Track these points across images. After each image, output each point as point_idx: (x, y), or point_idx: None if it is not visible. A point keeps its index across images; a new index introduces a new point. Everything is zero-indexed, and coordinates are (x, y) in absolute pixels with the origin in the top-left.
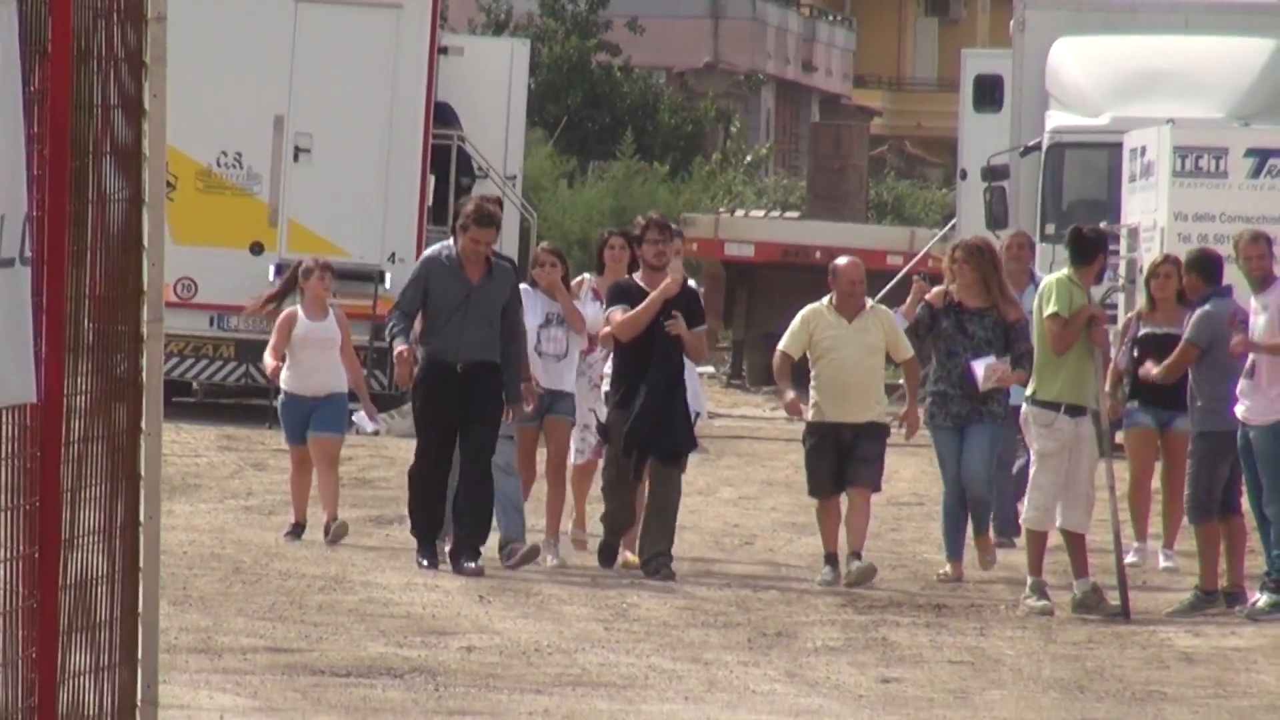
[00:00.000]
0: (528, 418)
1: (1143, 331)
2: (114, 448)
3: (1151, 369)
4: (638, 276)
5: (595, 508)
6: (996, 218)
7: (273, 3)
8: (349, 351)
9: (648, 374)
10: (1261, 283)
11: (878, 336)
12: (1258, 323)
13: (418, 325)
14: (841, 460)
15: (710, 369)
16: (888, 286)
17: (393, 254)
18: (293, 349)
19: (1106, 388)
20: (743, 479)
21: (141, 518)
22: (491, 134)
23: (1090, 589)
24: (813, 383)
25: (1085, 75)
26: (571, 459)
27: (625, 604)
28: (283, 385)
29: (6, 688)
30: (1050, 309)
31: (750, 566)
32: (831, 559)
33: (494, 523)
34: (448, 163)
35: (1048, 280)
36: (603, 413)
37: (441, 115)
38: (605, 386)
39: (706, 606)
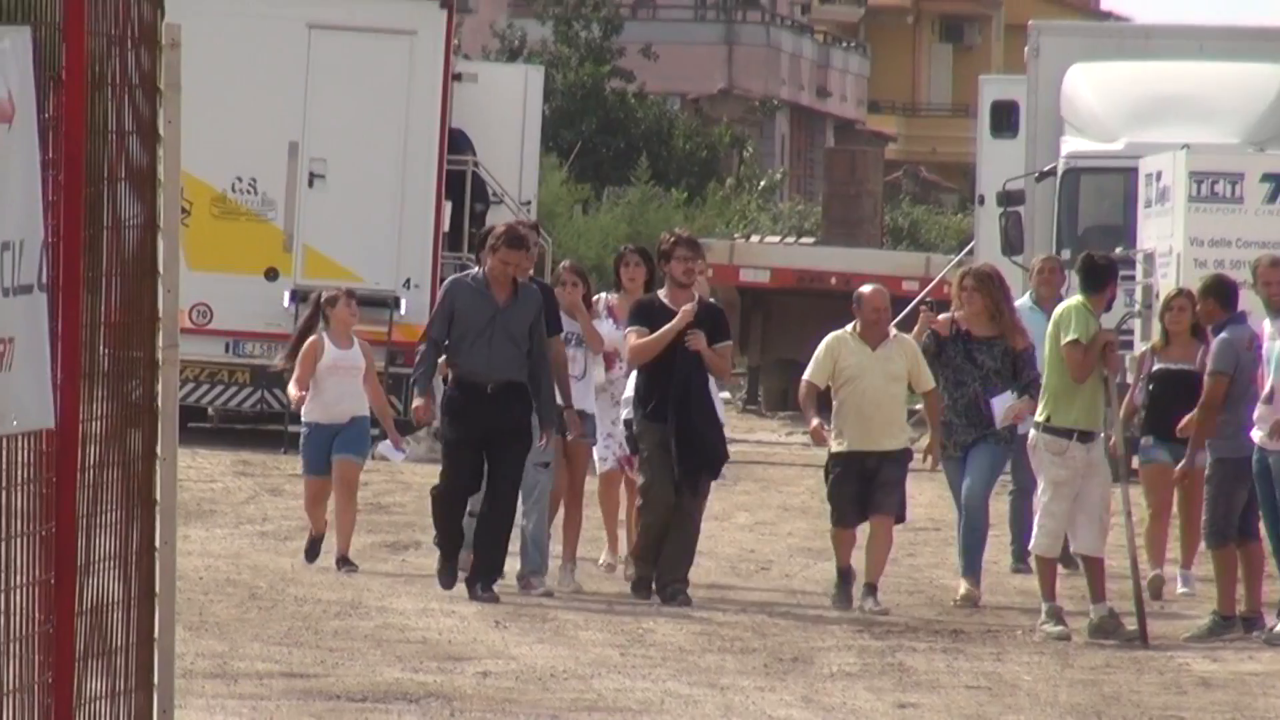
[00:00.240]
0: (580, 435)
1: (1157, 367)
2: (129, 473)
3: (1187, 424)
4: (662, 293)
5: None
6: (1012, 243)
7: (287, 29)
8: (373, 380)
9: (672, 391)
10: None
11: (901, 365)
12: (1274, 348)
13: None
14: (864, 488)
15: (726, 394)
16: (903, 313)
17: (408, 280)
18: (318, 378)
19: (1116, 428)
20: (759, 504)
21: (157, 543)
22: (506, 160)
23: (1107, 614)
24: (835, 411)
25: (1100, 101)
26: (596, 469)
27: (641, 629)
28: (305, 416)
29: (23, 713)
30: (1070, 336)
31: (766, 592)
32: (845, 574)
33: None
34: (463, 189)
35: (1065, 307)
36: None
37: (456, 142)
38: (625, 411)
39: (723, 632)
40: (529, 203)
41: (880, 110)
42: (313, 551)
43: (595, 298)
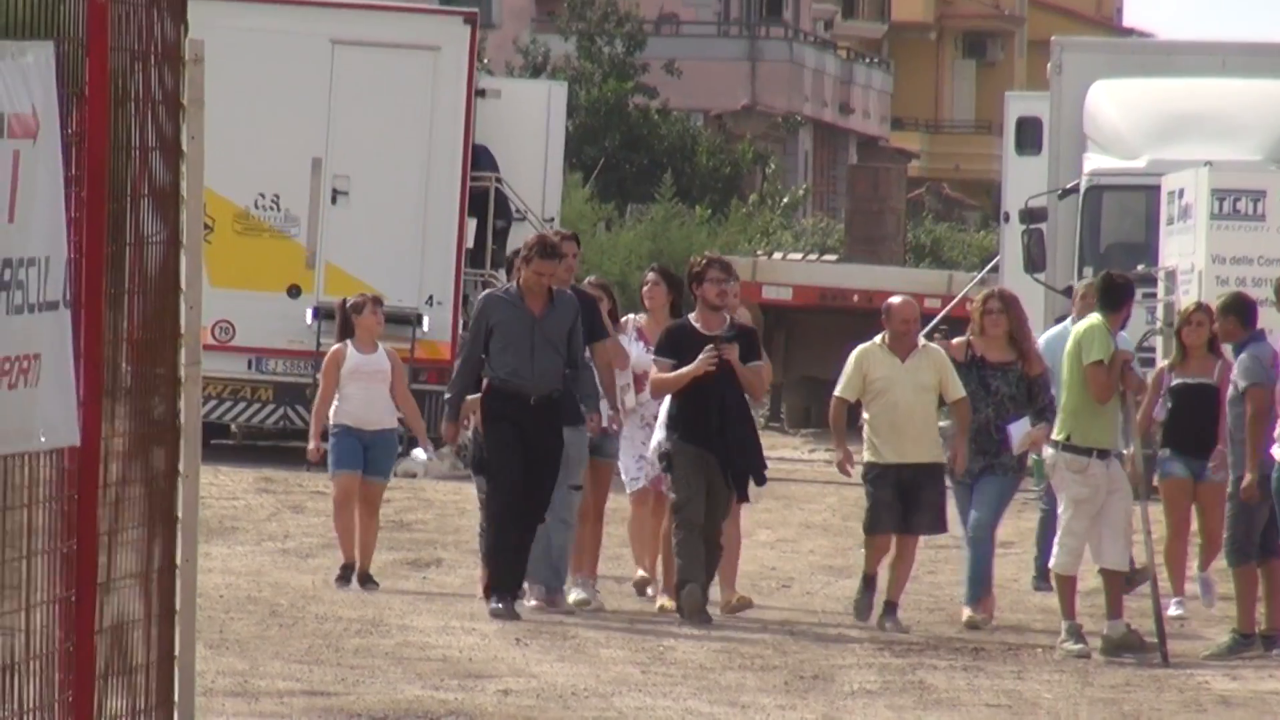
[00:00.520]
0: (604, 431)
1: (1175, 382)
2: (151, 490)
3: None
4: (693, 317)
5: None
6: (1034, 260)
7: (310, 45)
8: (402, 388)
9: (709, 413)
10: None
11: (930, 376)
12: None
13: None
14: (901, 499)
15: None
16: (926, 329)
17: (430, 297)
18: (342, 384)
19: (1133, 444)
20: (780, 522)
21: (179, 560)
22: (529, 176)
23: (1125, 630)
24: (867, 423)
25: (1122, 118)
26: (627, 487)
27: (662, 647)
28: (333, 420)
29: None
30: (1094, 357)
31: (788, 610)
32: (869, 581)
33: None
34: (485, 205)
35: (1086, 328)
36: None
37: (478, 159)
38: (658, 434)
39: (743, 649)
40: (552, 219)
41: (903, 127)
42: (345, 578)
43: (624, 319)
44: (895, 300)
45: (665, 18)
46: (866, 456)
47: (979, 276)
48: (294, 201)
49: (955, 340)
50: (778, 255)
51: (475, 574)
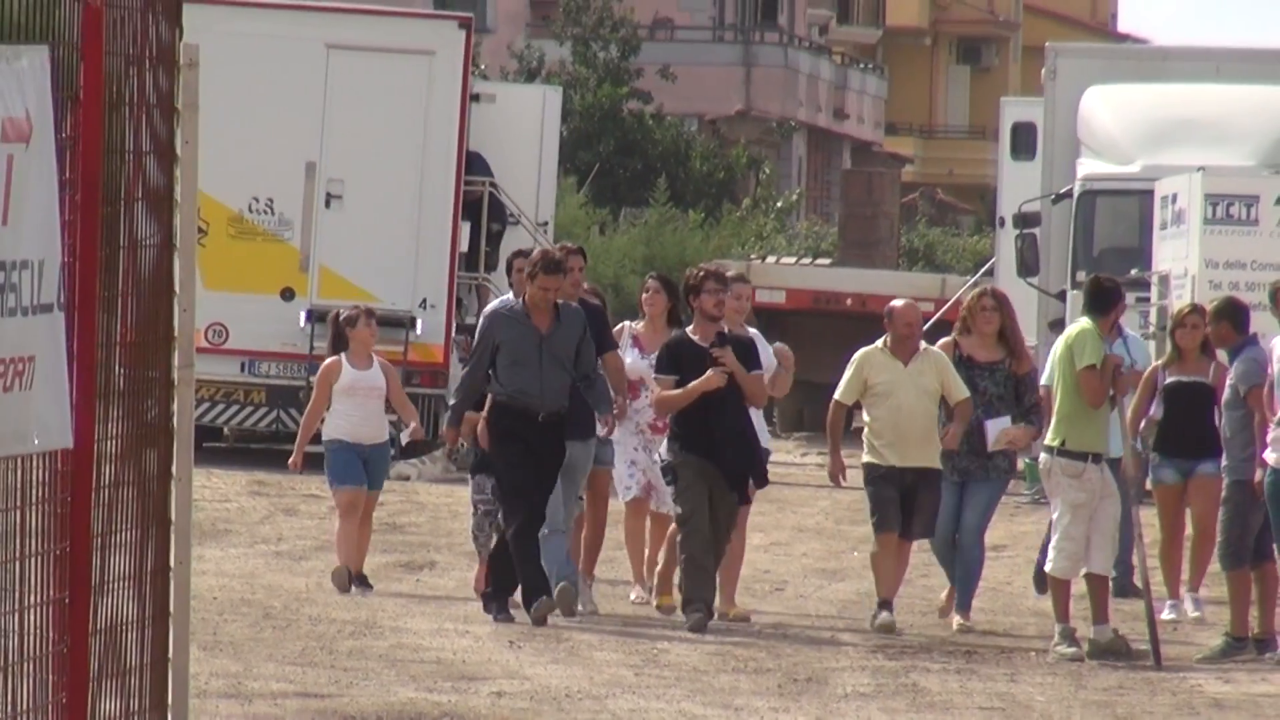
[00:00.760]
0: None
1: (1169, 380)
2: (144, 493)
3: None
4: (691, 330)
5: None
6: (1028, 265)
7: (305, 49)
8: (400, 397)
9: (711, 424)
10: None
11: (933, 379)
12: None
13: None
14: (904, 501)
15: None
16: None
17: (424, 300)
18: (335, 399)
19: (1131, 438)
20: (773, 525)
21: (172, 563)
22: (523, 181)
23: (1112, 635)
24: (868, 427)
25: (1116, 123)
26: (621, 497)
27: (655, 649)
28: (327, 434)
29: None
30: (1086, 361)
31: (781, 613)
32: (886, 604)
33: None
34: (479, 210)
35: (1077, 333)
36: (651, 465)
37: (472, 165)
38: (662, 448)
39: (737, 652)
40: (546, 223)
41: (897, 132)
42: (344, 586)
43: (619, 326)
44: (898, 303)
45: (660, 23)
46: (866, 459)
47: (973, 280)
48: (288, 205)
49: (942, 341)
50: (771, 259)
51: (468, 576)
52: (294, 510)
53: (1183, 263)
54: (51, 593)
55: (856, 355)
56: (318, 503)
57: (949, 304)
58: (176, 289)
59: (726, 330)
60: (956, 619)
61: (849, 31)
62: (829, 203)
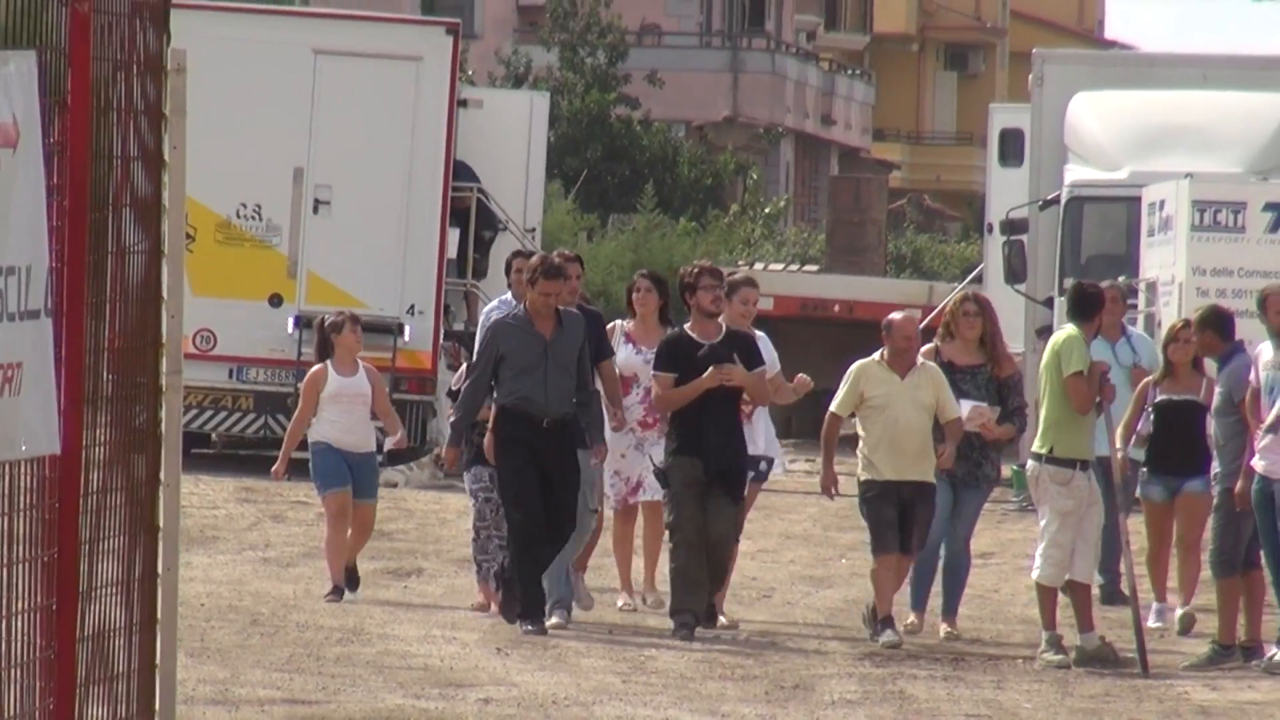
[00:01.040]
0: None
1: (1160, 398)
2: (132, 499)
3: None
4: (688, 327)
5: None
6: (1015, 271)
7: (293, 55)
8: (384, 405)
9: (704, 427)
10: None
11: (929, 394)
12: (1278, 378)
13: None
14: (901, 515)
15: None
16: None
17: (412, 306)
18: (321, 405)
19: (1118, 445)
20: (761, 532)
21: (159, 569)
22: (511, 186)
23: (1098, 643)
24: (863, 440)
25: (1104, 130)
26: (611, 502)
27: (643, 656)
28: (313, 437)
29: None
30: (1073, 368)
31: (768, 620)
32: (888, 621)
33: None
34: (467, 216)
35: (1064, 339)
36: (634, 462)
37: (457, 173)
38: (648, 441)
39: (724, 659)
40: (533, 230)
41: (885, 138)
42: (336, 598)
43: (610, 325)
44: (896, 316)
45: (647, 28)
46: (863, 475)
47: (960, 287)
48: (276, 211)
49: (924, 347)
50: (759, 266)
51: (456, 583)
52: (282, 517)
53: (1170, 269)
54: (39, 599)
55: (853, 367)
56: (305, 509)
57: (937, 310)
58: (164, 295)
59: (724, 326)
60: (944, 626)
61: (836, 38)
62: (816, 209)
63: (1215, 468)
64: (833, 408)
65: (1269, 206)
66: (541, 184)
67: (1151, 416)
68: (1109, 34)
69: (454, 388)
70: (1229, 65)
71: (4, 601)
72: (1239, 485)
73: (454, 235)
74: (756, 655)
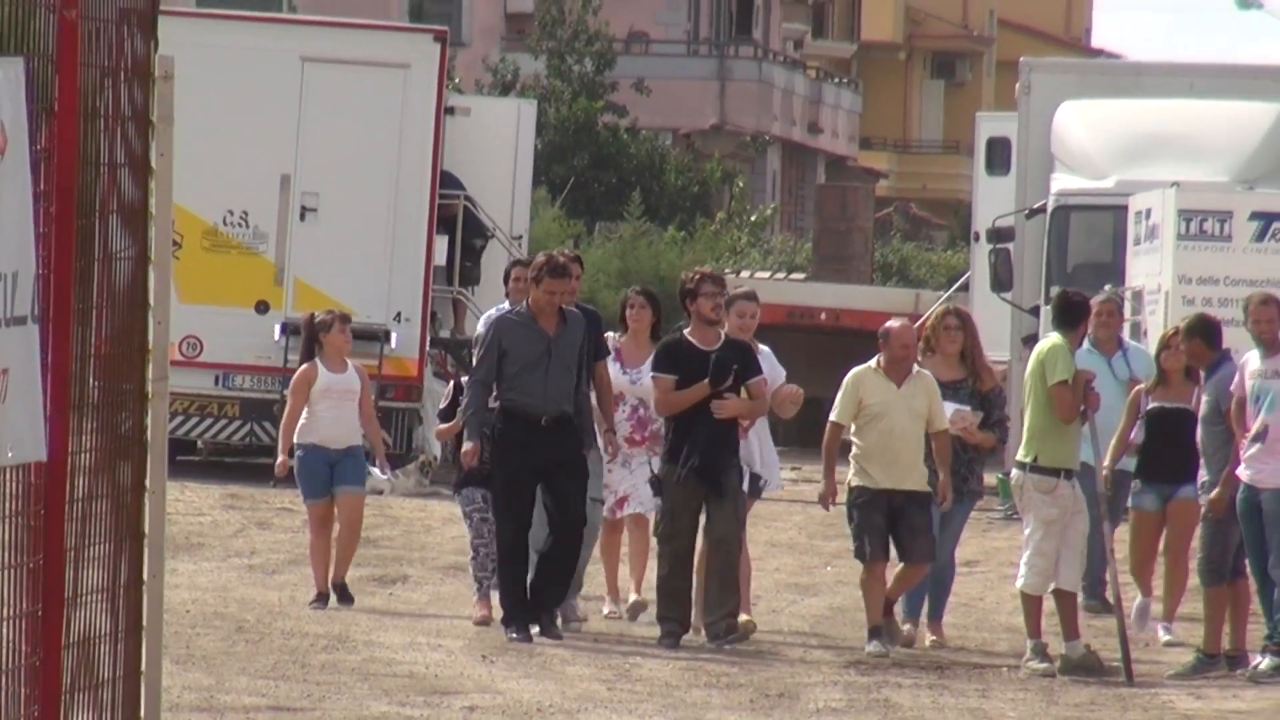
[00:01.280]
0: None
1: (1151, 406)
2: (118, 506)
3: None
4: (688, 332)
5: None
6: (1001, 280)
7: (280, 62)
8: (368, 408)
9: (698, 427)
10: (1271, 346)
11: (923, 402)
12: (1267, 386)
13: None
14: (892, 526)
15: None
16: None
17: (399, 313)
18: (312, 401)
19: (1106, 460)
20: (747, 540)
21: (145, 576)
22: (498, 194)
23: (1084, 651)
24: (857, 447)
25: (1090, 138)
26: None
27: (628, 664)
28: (300, 439)
29: None
30: (1058, 377)
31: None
32: (876, 632)
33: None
34: (455, 224)
35: (1048, 348)
36: (620, 477)
37: (444, 184)
38: (635, 457)
39: (709, 667)
40: (520, 237)
41: (871, 147)
42: (321, 606)
43: (604, 336)
44: (894, 324)
45: (635, 36)
46: (854, 481)
47: (946, 295)
48: (263, 218)
49: None
50: (745, 274)
51: (441, 590)
52: (267, 524)
53: (1156, 278)
54: (24, 605)
55: (850, 375)
56: (291, 516)
57: (923, 319)
58: (151, 302)
59: (724, 335)
60: (929, 635)
61: (823, 46)
62: (803, 217)
63: (1203, 476)
64: (833, 417)
65: (1255, 215)
66: (528, 191)
67: (1144, 426)
68: (1096, 43)
69: (444, 406)
70: (1216, 74)
71: None
72: (1215, 493)
73: (441, 243)
74: (741, 663)
